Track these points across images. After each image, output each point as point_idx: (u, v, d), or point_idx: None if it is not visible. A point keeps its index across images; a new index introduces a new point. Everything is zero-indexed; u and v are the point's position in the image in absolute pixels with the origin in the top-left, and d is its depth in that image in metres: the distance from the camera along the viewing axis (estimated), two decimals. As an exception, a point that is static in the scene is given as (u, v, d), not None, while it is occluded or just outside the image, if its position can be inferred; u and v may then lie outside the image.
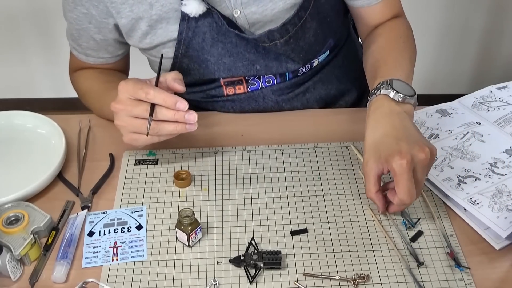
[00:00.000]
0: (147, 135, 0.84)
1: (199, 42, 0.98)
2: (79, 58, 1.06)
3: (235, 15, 0.96)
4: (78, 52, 1.05)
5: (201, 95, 1.09)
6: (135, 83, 0.84)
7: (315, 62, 1.08)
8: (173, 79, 0.88)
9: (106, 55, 1.05)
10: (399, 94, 0.85)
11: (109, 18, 0.96)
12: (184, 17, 0.94)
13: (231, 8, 0.96)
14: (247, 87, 1.06)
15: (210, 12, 0.94)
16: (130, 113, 0.84)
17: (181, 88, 0.88)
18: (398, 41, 1.02)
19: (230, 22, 0.96)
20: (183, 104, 0.83)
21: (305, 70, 1.07)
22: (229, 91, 1.06)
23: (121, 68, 1.11)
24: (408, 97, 0.86)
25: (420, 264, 0.80)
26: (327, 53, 1.10)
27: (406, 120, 0.84)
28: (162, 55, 0.96)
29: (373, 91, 0.89)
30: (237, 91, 1.06)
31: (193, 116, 0.84)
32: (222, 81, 1.05)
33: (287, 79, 1.06)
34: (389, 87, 0.86)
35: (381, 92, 0.87)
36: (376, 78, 0.92)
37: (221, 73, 1.02)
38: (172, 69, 1.02)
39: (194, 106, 1.11)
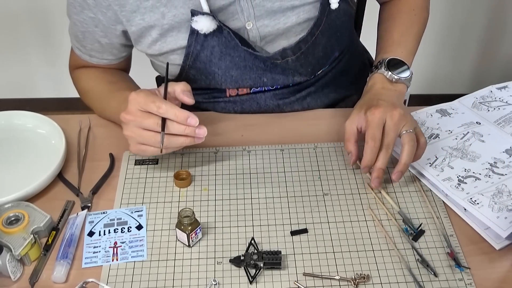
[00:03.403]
0: (161, 152, 0.85)
1: (207, 55, 0.97)
2: (83, 58, 1.06)
3: (247, 27, 0.96)
4: (81, 53, 1.05)
5: (203, 96, 1.09)
6: (147, 96, 0.83)
7: (319, 72, 1.09)
8: (182, 91, 0.88)
9: (110, 57, 1.04)
10: (393, 75, 0.95)
11: (118, 25, 0.95)
12: (193, 31, 0.93)
13: (243, 20, 0.95)
14: (250, 89, 1.06)
15: (221, 29, 0.94)
16: (140, 125, 0.84)
17: (190, 100, 0.89)
18: (410, 13, 1.07)
19: (242, 38, 0.96)
20: (194, 120, 0.83)
21: (309, 78, 1.08)
22: (231, 92, 1.06)
23: (124, 68, 1.11)
24: (402, 78, 0.95)
25: (422, 260, 0.80)
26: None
27: (395, 96, 0.94)
28: (168, 63, 0.95)
29: (373, 68, 0.99)
30: (240, 93, 1.06)
31: (203, 130, 0.84)
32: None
33: (290, 85, 1.07)
34: (385, 68, 0.96)
35: (378, 71, 0.97)
36: (379, 54, 1.03)
37: (228, 84, 1.03)
38: (179, 76, 1.02)
39: (195, 106, 1.11)
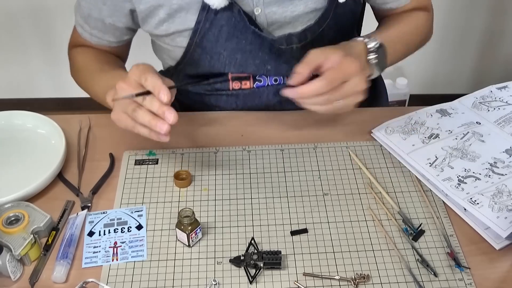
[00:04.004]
0: (116, 100, 0.81)
1: (214, 34, 0.98)
2: (83, 36, 1.06)
3: (256, 13, 0.97)
4: (83, 30, 1.05)
5: (206, 87, 1.09)
6: (145, 68, 0.82)
7: None
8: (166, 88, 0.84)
9: (112, 38, 1.05)
10: (374, 57, 0.92)
11: (127, 3, 0.96)
12: (205, 7, 0.94)
13: (252, 5, 0.96)
14: (254, 83, 1.06)
15: (232, 6, 0.94)
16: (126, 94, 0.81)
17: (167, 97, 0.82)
18: (410, 24, 1.07)
19: (250, 19, 0.97)
20: (165, 97, 0.78)
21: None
22: (235, 85, 1.06)
23: (121, 54, 1.11)
24: (371, 70, 0.93)
25: (422, 260, 0.80)
26: None
27: (365, 63, 0.91)
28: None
29: (365, 35, 0.96)
30: (243, 86, 1.06)
31: (171, 115, 0.78)
32: (230, 75, 1.05)
33: None
34: (376, 45, 0.92)
35: (366, 42, 0.93)
36: (374, 32, 1.01)
37: (231, 68, 1.02)
38: (182, 59, 1.02)
39: (197, 99, 1.11)
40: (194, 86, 1.09)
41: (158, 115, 0.79)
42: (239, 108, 1.09)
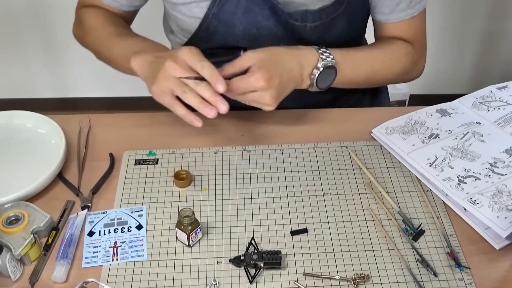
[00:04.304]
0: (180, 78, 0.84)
1: (232, 7, 0.98)
2: None
3: None
4: None
5: (217, 65, 1.08)
6: (199, 54, 0.85)
7: None
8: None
9: (124, 1, 1.06)
10: (316, 78, 0.94)
11: None
12: None
13: None
14: None
15: None
16: (177, 75, 0.85)
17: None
18: (384, 52, 1.05)
19: None
20: (221, 87, 0.83)
21: None
22: None
23: (128, 21, 1.12)
24: (315, 85, 0.96)
25: (422, 260, 0.80)
26: None
27: (293, 83, 0.94)
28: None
29: (328, 49, 0.97)
30: None
31: (224, 106, 0.84)
32: (241, 53, 1.05)
33: None
34: (322, 66, 0.94)
35: (322, 56, 0.95)
36: (340, 49, 1.00)
37: (245, 43, 1.03)
38: (197, 31, 1.03)
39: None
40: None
41: (209, 102, 0.84)
42: None
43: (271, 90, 0.89)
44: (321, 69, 0.94)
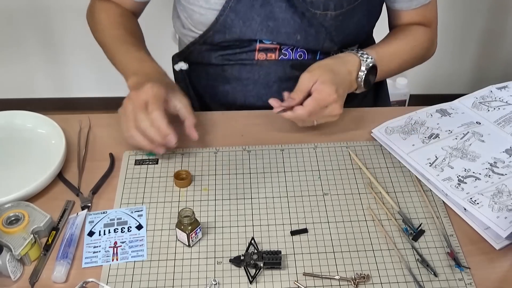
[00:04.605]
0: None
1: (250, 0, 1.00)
2: None
3: None
4: None
5: (230, 57, 1.10)
6: (156, 95, 0.89)
7: (346, 48, 1.11)
8: (191, 125, 0.94)
9: None
10: (363, 78, 1.00)
11: None
12: None
13: None
14: (279, 56, 1.08)
15: None
16: (134, 115, 0.89)
17: (195, 136, 0.94)
18: (409, 43, 1.11)
19: None
20: (173, 141, 0.89)
21: (337, 48, 1.10)
22: (260, 56, 1.07)
23: (137, 13, 1.16)
24: (363, 87, 1.01)
25: (422, 260, 0.80)
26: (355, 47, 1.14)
27: (348, 89, 1.00)
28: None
29: (363, 50, 1.02)
30: (268, 58, 1.08)
31: (171, 139, 0.89)
32: (257, 46, 1.06)
33: (317, 58, 1.09)
34: (366, 67, 0.99)
35: (363, 58, 1.00)
36: (373, 47, 1.06)
37: (262, 35, 1.04)
38: (214, 24, 1.03)
39: (218, 73, 1.12)
40: (216, 57, 1.11)
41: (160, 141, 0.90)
42: (260, 80, 1.10)
43: (340, 100, 0.95)
44: (365, 70, 0.99)
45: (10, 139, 1.00)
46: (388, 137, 0.99)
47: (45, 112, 1.02)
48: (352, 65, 0.99)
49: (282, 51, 1.07)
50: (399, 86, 2.31)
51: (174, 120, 0.92)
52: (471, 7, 2.22)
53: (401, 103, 2.34)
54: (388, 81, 2.31)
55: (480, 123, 1.02)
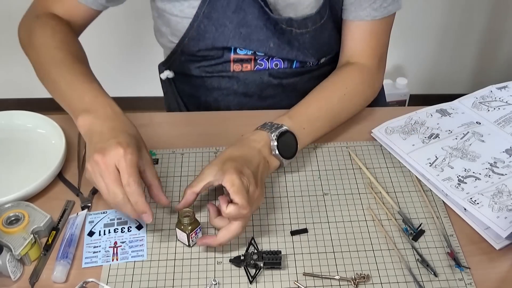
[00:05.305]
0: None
1: (223, 6, 0.99)
2: None
3: None
4: None
5: (207, 69, 1.09)
6: (130, 164, 0.75)
7: (322, 60, 1.11)
8: (159, 191, 0.83)
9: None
10: (276, 150, 0.88)
11: None
12: None
13: None
14: (254, 66, 1.07)
15: None
16: (104, 176, 0.76)
17: (166, 202, 0.83)
18: (340, 92, 1.00)
19: None
20: (148, 218, 0.78)
21: (311, 65, 1.10)
22: (236, 67, 1.07)
23: (87, 22, 1.05)
24: (281, 158, 0.89)
25: (422, 260, 0.80)
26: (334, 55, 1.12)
27: (265, 169, 0.87)
28: None
29: (268, 122, 0.92)
30: (244, 69, 1.08)
31: (146, 217, 0.78)
32: (231, 56, 1.06)
33: (294, 67, 1.08)
34: (275, 136, 0.88)
35: (269, 132, 0.89)
36: (286, 113, 0.95)
37: (235, 42, 1.03)
38: (188, 31, 1.02)
39: (199, 84, 1.12)
40: (194, 69, 1.09)
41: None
42: (239, 90, 1.10)
43: (252, 186, 0.81)
44: (276, 139, 0.88)
45: (10, 139, 1.00)
46: (388, 137, 0.99)
47: (45, 112, 1.02)
48: (259, 142, 0.88)
49: (258, 61, 1.07)
50: (399, 86, 2.31)
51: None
52: (471, 7, 2.22)
53: (401, 103, 2.35)
54: (388, 81, 2.33)
55: (480, 123, 1.02)
